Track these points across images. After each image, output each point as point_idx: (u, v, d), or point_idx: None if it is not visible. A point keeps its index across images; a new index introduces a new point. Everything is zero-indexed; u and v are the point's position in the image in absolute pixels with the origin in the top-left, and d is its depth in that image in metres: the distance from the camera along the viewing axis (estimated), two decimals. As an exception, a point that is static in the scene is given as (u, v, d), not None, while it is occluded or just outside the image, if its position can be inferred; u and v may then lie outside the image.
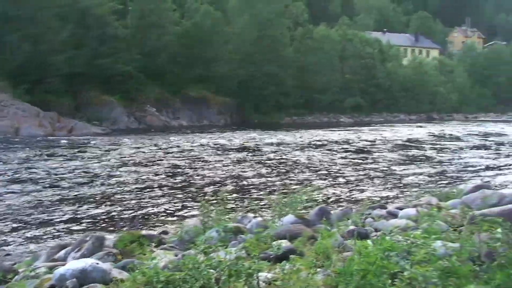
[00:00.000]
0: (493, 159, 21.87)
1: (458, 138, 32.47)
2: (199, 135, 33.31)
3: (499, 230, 5.06)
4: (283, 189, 12.95)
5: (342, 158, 21.57)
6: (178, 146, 25.55)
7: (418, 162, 20.46)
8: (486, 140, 31.69)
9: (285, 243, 5.62)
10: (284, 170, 17.79)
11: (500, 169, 18.65)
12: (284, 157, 21.75)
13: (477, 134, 35.95)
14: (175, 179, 15.74)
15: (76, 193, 13.19)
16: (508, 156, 23.12)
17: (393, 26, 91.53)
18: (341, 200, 12.74)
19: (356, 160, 20.80)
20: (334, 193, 13.70)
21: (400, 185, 15.14)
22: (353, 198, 13.01)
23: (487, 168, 19.06)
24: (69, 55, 39.75)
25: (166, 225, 9.81)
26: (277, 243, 5.54)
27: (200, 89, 49.54)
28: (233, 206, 10.80)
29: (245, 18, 53.80)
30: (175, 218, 10.54)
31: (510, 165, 19.94)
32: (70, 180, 15.00)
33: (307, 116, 55.42)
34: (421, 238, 4.85)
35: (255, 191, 13.81)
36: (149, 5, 47.55)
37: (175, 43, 49.80)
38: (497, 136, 34.17)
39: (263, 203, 11.31)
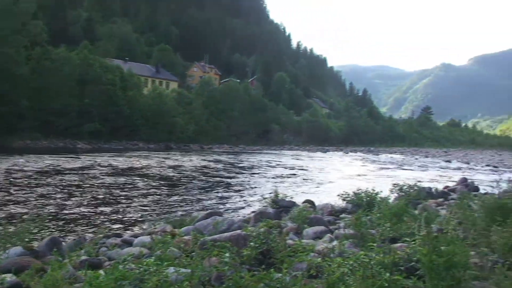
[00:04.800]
0: (227, 186, 24.23)
1: (195, 168, 34.18)
2: None
3: (227, 254, 5.66)
4: (10, 219, 12.04)
5: (78, 185, 21.21)
6: None
7: (157, 190, 21.13)
8: (223, 168, 34.85)
9: (9, 277, 5.44)
10: (13, 198, 16.62)
11: (232, 196, 20.53)
12: (13, 183, 20.47)
13: (212, 164, 39.02)
14: None
15: None
16: (238, 183, 25.83)
17: (135, 55, 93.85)
18: (76, 228, 12.53)
19: (93, 188, 20.65)
20: (68, 221, 13.41)
21: (139, 212, 15.37)
22: (89, 226, 12.92)
23: (222, 195, 20.57)
24: None
25: None
26: (0, 278, 5.39)
27: None
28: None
29: (-26, 31, 50.40)
30: None
31: (240, 191, 22.31)
32: None
33: (42, 140, 53.76)
34: (154, 265, 5.10)
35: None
36: None
37: None
38: (234, 166, 38.11)
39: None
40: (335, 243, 7.46)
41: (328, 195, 19.11)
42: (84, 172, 26.94)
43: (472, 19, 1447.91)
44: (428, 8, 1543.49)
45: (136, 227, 12.92)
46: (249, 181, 27.22)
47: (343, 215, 12.34)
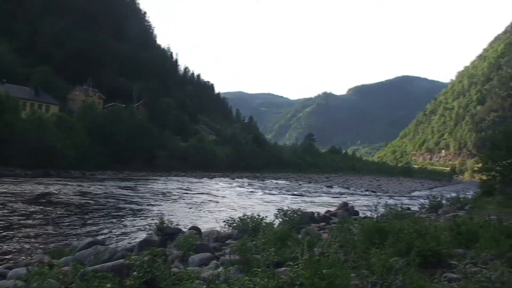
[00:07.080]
0: (111, 214, 23.73)
1: (77, 195, 32.98)
2: None
3: (108, 285, 5.74)
4: None
5: None
6: None
7: (36, 219, 20.28)
8: (106, 195, 33.88)
9: None
10: None
11: (116, 224, 20.17)
12: None
13: (95, 191, 37.88)
14: None
15: None
16: (122, 211, 25.48)
17: (13, 77, 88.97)
18: None
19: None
20: None
21: (16, 242, 14.77)
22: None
23: (105, 223, 20.22)
24: None
25: None
26: None
27: None
28: None
29: None
30: None
31: (124, 219, 22.02)
32: None
33: None
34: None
35: None
36: None
37: None
38: (118, 193, 37.19)
39: None
40: (220, 269, 7.51)
41: (215, 221, 19.19)
42: None
43: (351, 51, 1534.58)
44: (307, 38, 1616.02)
45: (12, 258, 12.21)
46: (133, 208, 26.91)
47: (229, 241, 12.51)
